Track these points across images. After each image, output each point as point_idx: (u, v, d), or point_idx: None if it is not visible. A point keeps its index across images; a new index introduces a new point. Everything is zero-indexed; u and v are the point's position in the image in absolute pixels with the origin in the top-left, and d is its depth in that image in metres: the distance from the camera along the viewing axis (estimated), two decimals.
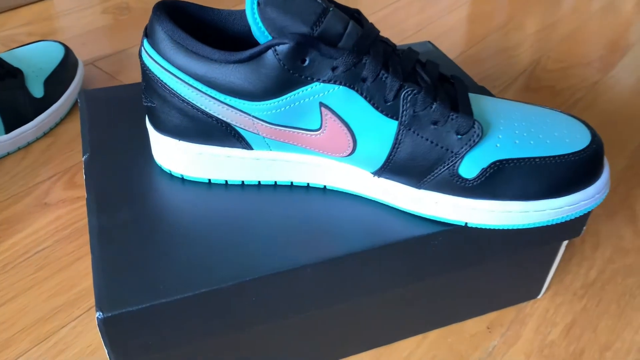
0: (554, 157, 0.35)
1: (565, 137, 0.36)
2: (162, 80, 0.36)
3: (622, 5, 0.97)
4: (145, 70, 0.37)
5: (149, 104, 0.38)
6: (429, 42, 0.58)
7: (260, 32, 0.33)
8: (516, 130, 0.36)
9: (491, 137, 0.35)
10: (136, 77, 0.75)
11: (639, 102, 0.74)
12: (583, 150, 0.36)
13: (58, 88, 0.66)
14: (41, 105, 0.64)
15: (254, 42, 0.39)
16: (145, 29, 0.37)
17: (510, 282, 0.46)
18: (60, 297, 0.48)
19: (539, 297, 0.49)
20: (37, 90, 0.64)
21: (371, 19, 0.90)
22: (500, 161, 0.35)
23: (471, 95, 0.38)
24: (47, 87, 0.65)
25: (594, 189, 0.36)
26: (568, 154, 0.35)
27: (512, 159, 0.35)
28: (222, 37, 0.39)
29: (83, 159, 0.42)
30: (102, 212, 0.37)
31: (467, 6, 0.97)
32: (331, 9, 0.34)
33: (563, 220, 0.36)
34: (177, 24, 0.36)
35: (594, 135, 0.37)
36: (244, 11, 0.38)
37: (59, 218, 0.55)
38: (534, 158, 0.35)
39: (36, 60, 0.66)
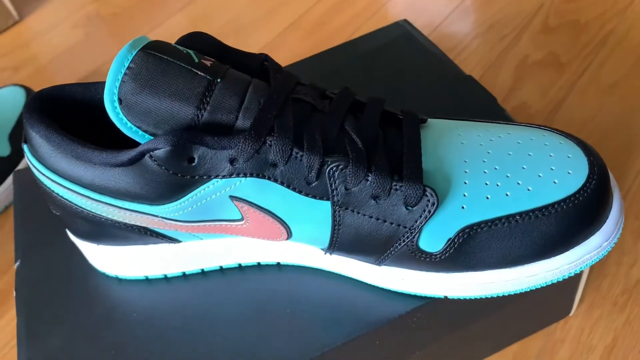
0: (539, 209, 0.27)
1: (553, 176, 0.28)
2: (52, 190, 0.30)
3: None
4: (35, 178, 0.31)
5: (55, 212, 0.33)
6: (404, 20, 0.48)
7: (132, 132, 0.26)
8: (487, 180, 0.28)
9: (455, 198, 0.27)
10: None
11: None
12: (579, 191, 0.27)
13: None
14: (7, 166, 0.59)
15: None
16: (24, 130, 0.31)
17: (532, 309, 0.39)
18: None
19: (571, 314, 0.42)
20: (1, 147, 0.59)
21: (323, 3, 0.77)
22: (470, 227, 0.27)
23: (429, 126, 0.30)
24: (13, 142, 0.60)
25: (600, 238, 0.28)
26: (558, 202, 0.27)
27: (485, 222, 0.27)
28: None
29: (15, 266, 0.37)
30: (32, 338, 0.33)
31: None
32: (219, 80, 0.26)
33: (564, 278, 0.29)
34: (60, 117, 0.30)
35: (592, 163, 0.28)
36: None
37: None
38: (513, 216, 0.27)
39: None
